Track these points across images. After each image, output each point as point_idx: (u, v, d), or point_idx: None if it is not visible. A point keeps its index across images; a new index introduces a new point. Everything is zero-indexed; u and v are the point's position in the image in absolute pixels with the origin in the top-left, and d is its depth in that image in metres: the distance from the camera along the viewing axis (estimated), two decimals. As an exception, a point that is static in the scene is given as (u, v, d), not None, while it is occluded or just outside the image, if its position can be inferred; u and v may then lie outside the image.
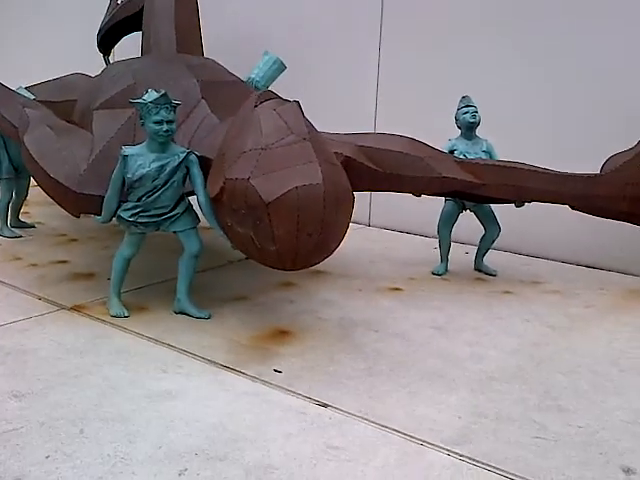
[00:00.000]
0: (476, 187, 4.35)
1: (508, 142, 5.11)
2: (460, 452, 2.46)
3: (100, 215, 3.60)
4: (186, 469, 2.26)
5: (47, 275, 4.33)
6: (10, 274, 4.31)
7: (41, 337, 3.33)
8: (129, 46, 6.31)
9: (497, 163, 4.47)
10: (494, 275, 4.77)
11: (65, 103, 4.95)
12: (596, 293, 4.45)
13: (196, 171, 3.48)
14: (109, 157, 3.59)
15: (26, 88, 5.21)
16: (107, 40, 6.61)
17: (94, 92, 4.48)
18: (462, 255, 5.12)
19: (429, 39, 5.70)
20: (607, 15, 4.87)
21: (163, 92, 3.41)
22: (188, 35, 5.39)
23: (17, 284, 4.12)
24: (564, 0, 5.03)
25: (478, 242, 4.85)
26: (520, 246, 5.38)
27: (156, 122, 3.38)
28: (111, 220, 3.62)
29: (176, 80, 4.10)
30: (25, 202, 5.64)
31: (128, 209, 3.50)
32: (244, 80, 4.76)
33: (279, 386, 2.92)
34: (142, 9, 5.76)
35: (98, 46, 6.63)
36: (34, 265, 4.54)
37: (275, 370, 3.07)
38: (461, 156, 4.53)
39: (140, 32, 5.76)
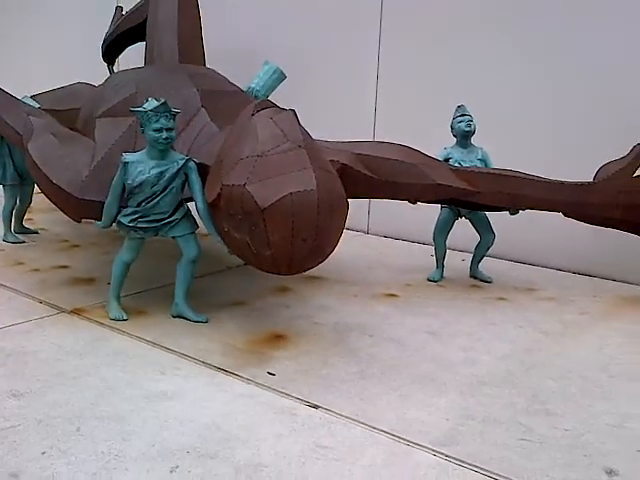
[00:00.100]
0: (471, 194, 4.41)
1: (508, 141, 5.21)
2: (447, 453, 2.52)
3: (100, 220, 3.68)
4: (177, 466, 2.33)
5: (48, 279, 4.41)
6: (12, 278, 4.39)
7: (41, 339, 3.41)
8: (133, 56, 6.42)
9: (491, 171, 4.53)
10: (489, 282, 4.83)
11: (69, 111, 5.06)
12: (590, 300, 4.50)
13: (195, 178, 3.57)
14: (110, 164, 3.68)
15: (31, 97, 5.32)
16: (111, 50, 6.73)
17: (97, 101, 4.58)
18: (458, 262, 5.18)
19: (428, 38, 5.76)
20: (607, 13, 4.91)
21: (163, 101, 3.50)
22: (190, 46, 5.48)
23: (19, 288, 4.20)
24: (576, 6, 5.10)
25: (473, 249, 4.92)
26: (515, 253, 5.43)
27: (156, 130, 3.47)
28: (111, 225, 3.70)
29: (177, 89, 4.19)
30: (29, 209, 5.72)
31: (128, 214, 3.58)
32: (244, 89, 4.85)
33: (272, 388, 2.99)
34: (146, 20, 5.87)
35: (103, 56, 6.74)
36: (36, 270, 4.62)
37: (269, 373, 3.14)
38: (456, 164, 4.60)
39: (144, 42, 5.87)
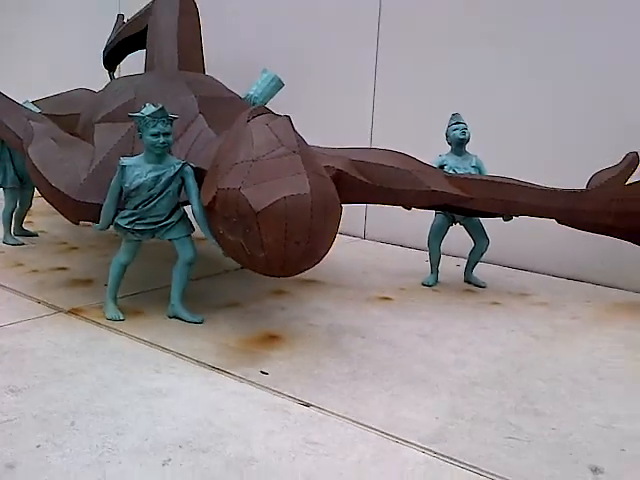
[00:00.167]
0: (464, 201, 4.47)
1: (502, 149, 5.27)
2: (435, 450, 2.56)
3: (98, 222, 3.74)
4: (170, 459, 2.38)
5: (47, 280, 4.47)
6: (11, 279, 4.45)
7: (39, 337, 3.46)
8: (134, 63, 6.50)
9: (485, 178, 4.59)
10: (483, 287, 4.88)
11: (69, 117, 5.14)
12: (582, 305, 4.55)
13: (191, 182, 3.63)
14: (108, 167, 3.74)
15: (32, 102, 5.39)
16: (112, 57, 6.82)
17: (97, 106, 4.66)
18: (453, 267, 5.23)
19: (426, 52, 5.83)
20: (604, 14, 4.97)
21: (160, 106, 3.56)
22: (190, 53, 5.55)
23: (18, 288, 4.26)
24: (561, 14, 5.17)
25: (468, 255, 4.97)
26: (509, 259, 5.49)
27: (153, 134, 3.54)
28: (109, 227, 3.76)
29: (175, 96, 4.26)
30: (29, 212, 5.80)
31: (125, 217, 3.64)
32: (243, 96, 4.92)
33: (265, 387, 3.04)
34: (147, 28, 5.95)
35: (104, 63, 6.83)
36: (35, 271, 4.68)
37: (262, 372, 3.19)
38: (451, 171, 4.66)
39: (144, 50, 5.95)
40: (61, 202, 3.87)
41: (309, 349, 3.53)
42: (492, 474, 2.43)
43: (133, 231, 3.66)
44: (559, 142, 5.20)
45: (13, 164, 5.33)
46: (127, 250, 3.79)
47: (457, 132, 4.74)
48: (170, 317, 3.83)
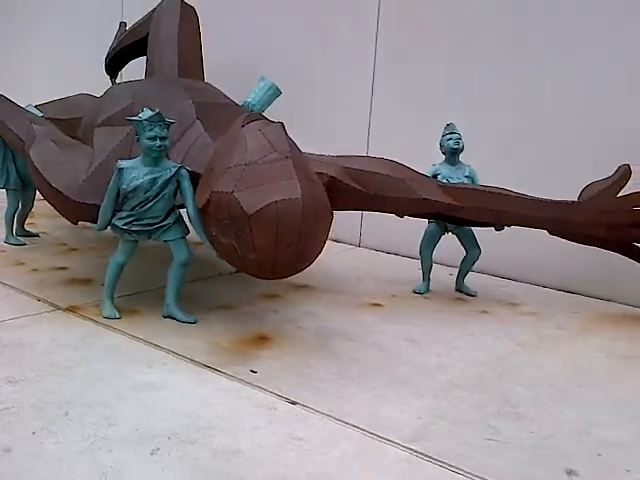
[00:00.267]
0: (456, 210, 4.56)
1: (498, 162, 5.37)
2: (415, 448, 2.65)
3: (96, 223, 3.85)
4: (158, 449, 2.48)
5: (47, 279, 4.57)
6: (12, 277, 4.55)
7: (37, 333, 3.57)
8: (135, 70, 6.63)
9: (477, 187, 4.68)
10: (474, 296, 4.97)
11: (71, 121, 5.26)
12: (570, 316, 4.63)
13: (186, 185, 3.75)
14: (107, 170, 3.85)
15: (35, 106, 5.51)
16: (114, 64, 6.95)
17: (97, 110, 4.79)
18: (445, 276, 5.32)
19: (424, 63, 5.93)
20: (596, 33, 5.09)
21: (157, 111, 3.68)
22: (190, 61, 5.67)
23: (18, 286, 4.36)
24: (558, 26, 5.28)
25: (459, 264, 5.07)
26: (501, 269, 5.58)
27: (150, 138, 3.65)
28: (106, 228, 3.87)
29: (173, 101, 4.37)
30: (31, 214, 5.91)
31: (122, 218, 3.75)
32: (240, 104, 5.03)
33: (254, 385, 3.13)
34: (148, 35, 6.08)
35: (105, 69, 6.96)
36: (35, 270, 4.79)
37: (251, 371, 3.29)
38: (444, 180, 4.75)
39: (145, 57, 6.08)
40: (61, 203, 3.98)
41: (298, 350, 3.62)
42: (469, 473, 2.51)
43: (130, 232, 3.77)
44: (552, 154, 5.29)
45: (15, 166, 5.43)
46: (124, 250, 3.90)
47: (451, 142, 4.84)
48: (165, 317, 3.93)
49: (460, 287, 5.08)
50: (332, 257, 5.79)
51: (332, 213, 3.57)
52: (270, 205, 3.25)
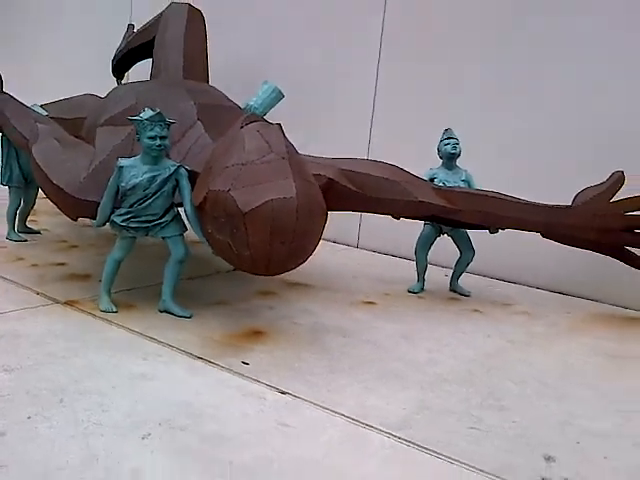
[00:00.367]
0: (451, 212, 4.64)
1: (495, 166, 5.44)
2: (399, 435, 2.73)
3: (95, 219, 3.94)
4: (149, 434, 2.56)
5: (46, 274, 4.66)
6: (12, 272, 4.64)
7: (35, 324, 3.65)
8: (141, 72, 6.73)
9: (472, 191, 4.77)
10: (468, 296, 5.04)
11: (75, 120, 5.36)
12: (561, 316, 4.71)
13: (185, 183, 3.83)
14: (107, 168, 3.93)
15: (40, 106, 5.62)
16: (121, 65, 7.06)
17: (100, 110, 4.89)
18: (440, 277, 5.39)
19: (426, 66, 6.02)
20: (591, 44, 5.18)
21: (158, 111, 3.77)
22: (195, 63, 5.77)
23: (17, 280, 4.44)
24: (557, 28, 5.36)
25: (454, 265, 5.14)
26: (496, 271, 5.65)
27: (150, 137, 3.74)
28: (105, 224, 3.95)
29: (175, 102, 4.46)
30: (34, 211, 6.01)
31: (121, 214, 3.84)
32: (243, 106, 5.12)
33: (245, 376, 3.21)
34: (154, 38, 6.19)
35: (112, 71, 7.07)
36: (35, 265, 4.87)
37: (243, 362, 3.36)
38: (440, 184, 4.83)
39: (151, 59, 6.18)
40: (61, 199, 4.07)
41: (291, 345, 3.70)
42: (451, 459, 2.59)
43: (128, 228, 3.86)
44: (553, 155, 5.36)
45: (19, 163, 5.52)
46: (122, 247, 3.98)
47: (448, 147, 4.93)
48: (161, 311, 4.01)
49: (454, 287, 5.15)
50: (329, 257, 5.87)
51: (326, 213, 3.65)
52: (265, 203, 3.33)
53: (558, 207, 4.63)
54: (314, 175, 3.80)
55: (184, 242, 3.99)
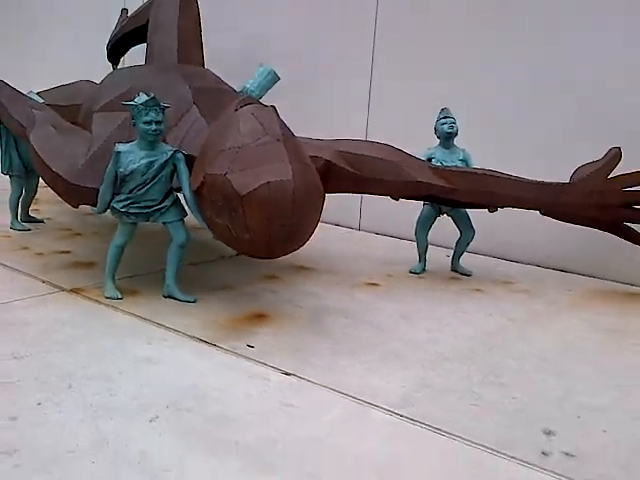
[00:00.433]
0: (450, 192, 4.66)
1: (493, 145, 5.46)
2: (401, 413, 2.78)
3: (96, 206, 3.97)
4: (157, 416, 2.61)
5: (50, 263, 4.70)
6: (17, 261, 4.68)
7: (41, 312, 3.70)
8: (136, 57, 6.72)
9: (470, 170, 4.78)
10: (469, 275, 5.07)
11: (71, 107, 5.36)
12: (561, 293, 4.74)
13: (182, 168, 3.86)
14: (105, 154, 3.95)
15: (37, 93, 5.62)
16: (116, 50, 7.03)
17: (96, 96, 4.89)
18: (441, 257, 5.41)
19: (423, 49, 6.01)
20: (589, 20, 5.19)
21: (152, 95, 3.79)
22: (189, 47, 5.74)
23: (23, 269, 4.49)
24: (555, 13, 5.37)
25: (454, 245, 5.18)
26: (497, 250, 5.67)
27: (146, 122, 3.76)
28: (106, 211, 3.99)
29: (171, 87, 4.45)
30: (35, 200, 6.03)
31: (121, 200, 3.86)
32: (240, 89, 5.13)
33: (250, 358, 3.26)
34: (148, 21, 6.17)
35: (107, 56, 7.05)
36: (39, 254, 4.91)
37: (248, 345, 3.41)
38: (438, 164, 4.85)
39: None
40: (61, 186, 4.10)
41: (295, 328, 3.74)
42: (452, 435, 2.63)
43: (128, 214, 3.89)
44: (552, 138, 5.36)
45: (18, 152, 5.51)
46: (123, 233, 4.01)
47: (445, 126, 4.93)
48: (165, 297, 4.05)
49: (455, 267, 5.18)
50: (331, 240, 5.91)
51: (324, 194, 3.68)
52: (262, 186, 3.36)
53: (556, 184, 4.65)
54: (311, 157, 3.82)
55: (185, 227, 4.02)
